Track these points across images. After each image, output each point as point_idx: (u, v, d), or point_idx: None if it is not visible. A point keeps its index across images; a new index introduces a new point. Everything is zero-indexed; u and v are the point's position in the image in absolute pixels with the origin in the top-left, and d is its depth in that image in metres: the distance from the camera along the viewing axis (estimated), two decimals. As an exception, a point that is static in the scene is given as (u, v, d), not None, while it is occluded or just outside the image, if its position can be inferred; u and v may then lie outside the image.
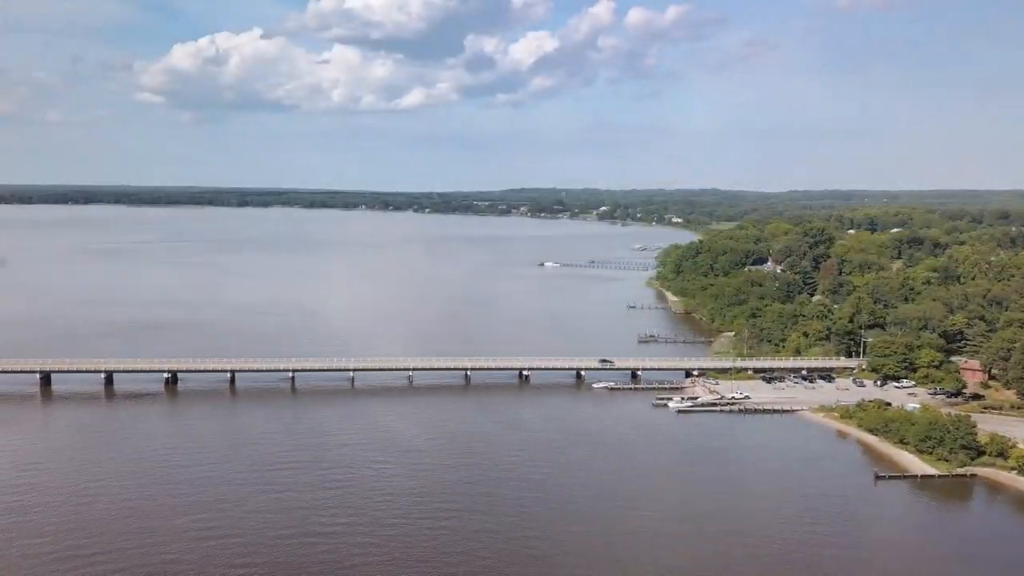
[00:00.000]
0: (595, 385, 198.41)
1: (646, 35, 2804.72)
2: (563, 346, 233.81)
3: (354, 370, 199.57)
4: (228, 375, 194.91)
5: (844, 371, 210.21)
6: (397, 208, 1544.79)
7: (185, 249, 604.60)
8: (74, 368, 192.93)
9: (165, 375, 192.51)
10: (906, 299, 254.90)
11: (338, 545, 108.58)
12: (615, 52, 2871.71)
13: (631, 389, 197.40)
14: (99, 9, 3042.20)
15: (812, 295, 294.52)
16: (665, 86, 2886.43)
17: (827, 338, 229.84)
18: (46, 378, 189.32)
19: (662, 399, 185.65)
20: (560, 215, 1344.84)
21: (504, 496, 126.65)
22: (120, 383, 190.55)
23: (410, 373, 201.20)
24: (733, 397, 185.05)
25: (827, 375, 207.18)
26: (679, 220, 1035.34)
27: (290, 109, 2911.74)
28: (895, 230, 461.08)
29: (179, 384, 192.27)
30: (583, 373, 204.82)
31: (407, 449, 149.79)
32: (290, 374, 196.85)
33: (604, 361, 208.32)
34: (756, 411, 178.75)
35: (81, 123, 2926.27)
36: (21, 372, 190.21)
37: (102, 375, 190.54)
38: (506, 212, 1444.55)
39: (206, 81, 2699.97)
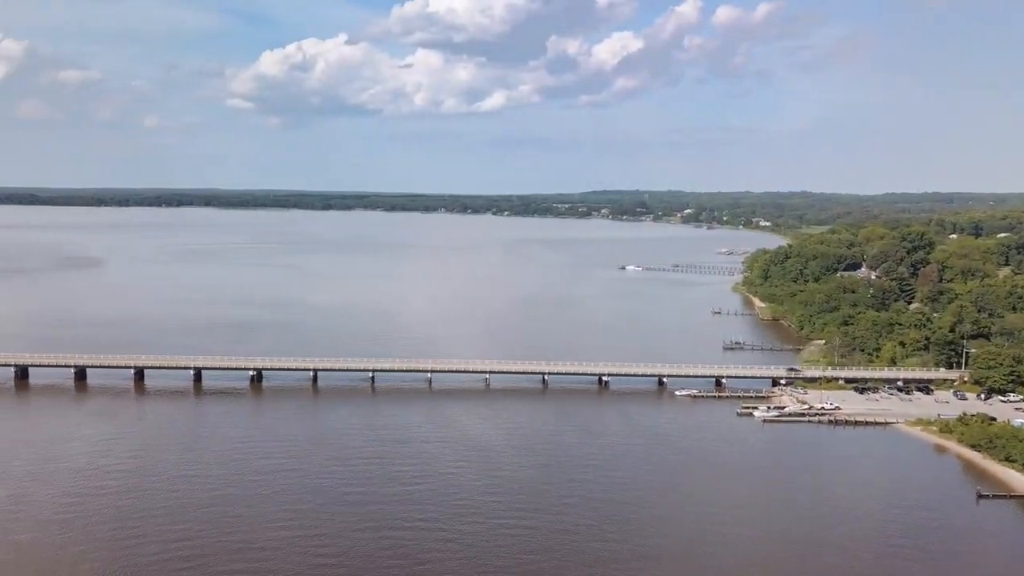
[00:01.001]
0: (677, 392, 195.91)
1: (735, 33, 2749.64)
2: (644, 352, 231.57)
3: (432, 371, 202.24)
4: (311, 374, 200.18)
5: (944, 383, 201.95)
6: (476, 211, 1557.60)
7: (271, 251, 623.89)
8: (166, 364, 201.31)
9: (251, 373, 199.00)
10: (1014, 308, 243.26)
11: (415, 541, 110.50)
12: (702, 51, 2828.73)
13: (715, 397, 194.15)
14: (194, 19, 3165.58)
15: (909, 303, 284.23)
16: (754, 85, 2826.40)
17: (925, 348, 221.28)
18: (139, 373, 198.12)
19: (747, 408, 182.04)
20: (643, 218, 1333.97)
21: (581, 501, 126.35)
22: (208, 379, 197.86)
23: (487, 376, 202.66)
24: (823, 407, 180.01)
25: (925, 387, 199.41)
26: (767, 223, 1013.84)
27: (373, 113, 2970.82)
28: (1002, 235, 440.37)
29: (264, 381, 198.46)
30: (665, 380, 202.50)
31: (484, 450, 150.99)
32: (370, 374, 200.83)
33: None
34: (847, 423, 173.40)
35: (175, 129, 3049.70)
36: (117, 367, 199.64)
37: (191, 371, 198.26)
38: (586, 215, 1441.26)
39: (292, 87, 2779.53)
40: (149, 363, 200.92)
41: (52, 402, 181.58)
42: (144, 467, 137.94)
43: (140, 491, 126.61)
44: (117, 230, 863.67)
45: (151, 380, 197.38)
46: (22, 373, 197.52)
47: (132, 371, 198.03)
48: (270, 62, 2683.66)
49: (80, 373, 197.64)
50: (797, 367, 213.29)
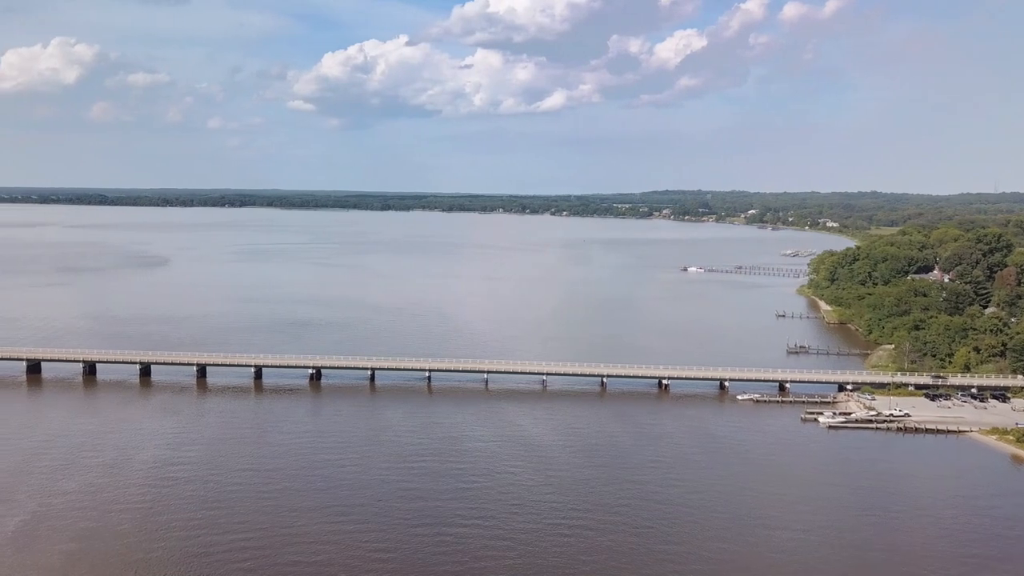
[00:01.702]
0: (739, 396, 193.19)
1: (802, 30, 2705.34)
2: (705, 355, 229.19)
3: (488, 372, 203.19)
4: (368, 373, 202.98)
5: (1022, 391, 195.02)
6: (534, 211, 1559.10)
7: (330, 250, 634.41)
8: (227, 362, 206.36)
9: (310, 371, 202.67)
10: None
11: (471, 539, 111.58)
12: (767, 49, 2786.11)
13: (778, 402, 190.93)
14: (258, 22, 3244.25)
15: (985, 307, 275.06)
16: (822, 83, 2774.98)
17: (1002, 354, 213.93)
18: (202, 370, 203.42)
19: (812, 413, 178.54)
20: (705, 218, 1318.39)
21: (640, 503, 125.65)
22: (268, 377, 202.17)
23: (544, 377, 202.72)
24: (891, 414, 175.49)
25: (1001, 394, 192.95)
26: (834, 224, 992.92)
27: (432, 114, 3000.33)
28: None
29: (322, 380, 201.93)
30: (727, 383, 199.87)
31: (540, 451, 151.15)
32: (427, 374, 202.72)
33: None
34: (917, 430, 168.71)
35: (238, 130, 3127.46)
36: (180, 364, 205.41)
37: (252, 369, 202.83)
38: (647, 215, 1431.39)
39: (353, 88, 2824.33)
40: (211, 360, 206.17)
41: (118, 398, 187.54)
42: (205, 461, 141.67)
43: (201, 484, 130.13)
44: (182, 230, 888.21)
45: (213, 377, 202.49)
46: (90, 369, 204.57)
47: (195, 368, 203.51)
48: (331, 64, 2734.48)
49: (145, 369, 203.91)
50: (864, 372, 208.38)
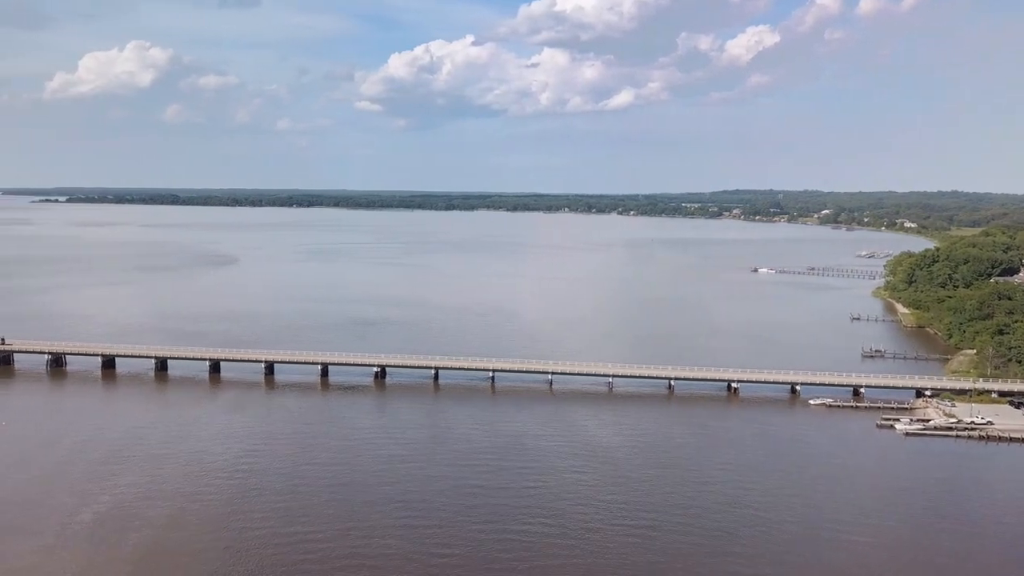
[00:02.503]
0: (812, 401, 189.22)
1: (880, 25, 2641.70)
2: (776, 358, 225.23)
3: (553, 373, 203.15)
4: (432, 372, 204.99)
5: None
6: (601, 211, 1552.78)
7: (395, 250, 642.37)
8: (294, 360, 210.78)
9: (375, 369, 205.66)
10: None
11: (534, 538, 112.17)
12: (843, 45, 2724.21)
13: (852, 407, 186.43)
14: (325, 24, 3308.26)
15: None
16: (900, 79, 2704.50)
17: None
18: (270, 368, 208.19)
19: (888, 419, 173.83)
20: (776, 218, 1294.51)
21: (709, 506, 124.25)
22: (334, 375, 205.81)
23: (610, 379, 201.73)
24: (973, 422, 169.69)
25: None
26: (912, 225, 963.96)
27: (498, 114, 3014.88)
28: None
29: (387, 378, 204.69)
30: (798, 387, 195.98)
31: (605, 455, 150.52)
32: (490, 374, 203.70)
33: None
34: (1000, 439, 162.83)
35: (306, 131, 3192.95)
36: (248, 361, 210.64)
37: (318, 367, 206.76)
38: (717, 215, 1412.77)
39: (420, 88, 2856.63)
40: (279, 358, 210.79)
41: (188, 393, 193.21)
42: (273, 456, 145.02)
43: (269, 478, 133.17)
44: (250, 229, 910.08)
45: (280, 374, 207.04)
46: (162, 365, 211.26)
47: (263, 365, 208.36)
48: (398, 64, 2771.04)
49: (215, 366, 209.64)
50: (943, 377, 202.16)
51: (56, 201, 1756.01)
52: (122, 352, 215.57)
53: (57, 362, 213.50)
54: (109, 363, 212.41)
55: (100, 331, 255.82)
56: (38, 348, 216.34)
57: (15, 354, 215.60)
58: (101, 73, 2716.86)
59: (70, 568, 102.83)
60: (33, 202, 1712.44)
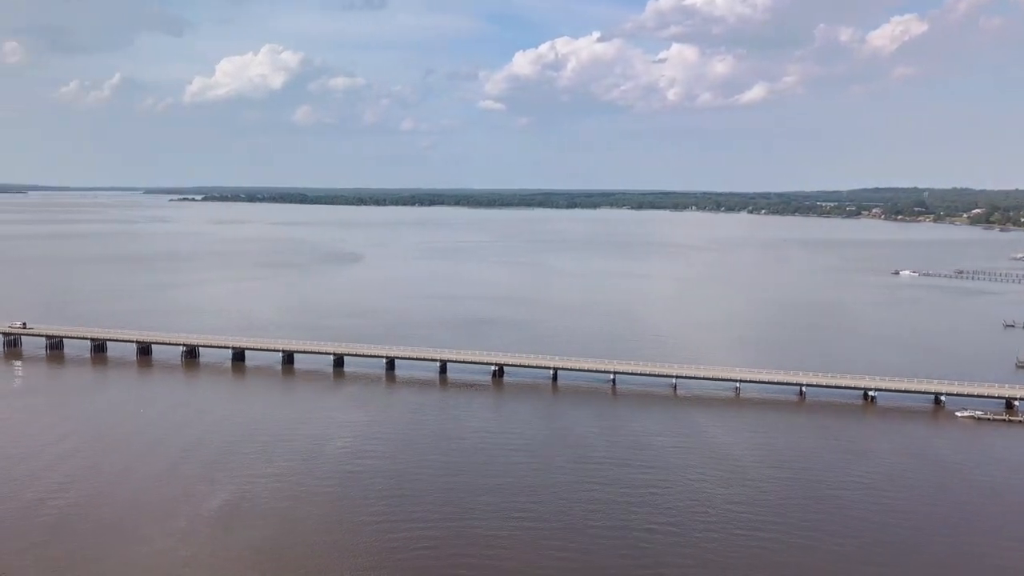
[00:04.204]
0: (957, 413, 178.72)
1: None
2: (918, 366, 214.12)
3: (677, 377, 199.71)
4: (551, 372, 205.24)
5: None
6: (730, 209, 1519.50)
7: (516, 249, 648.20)
8: (414, 356, 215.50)
9: (493, 368, 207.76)
10: None
11: (654, 547, 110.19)
12: (1000, 33, 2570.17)
13: (1004, 420, 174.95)
14: (450, 24, 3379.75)
15: None
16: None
17: None
18: (390, 363, 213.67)
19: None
20: (921, 218, 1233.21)
21: (840, 521, 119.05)
22: (453, 372, 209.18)
23: (737, 384, 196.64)
24: None
25: None
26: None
27: (623, 110, 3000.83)
28: None
29: (505, 377, 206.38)
30: (943, 398, 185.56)
31: (731, 462, 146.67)
32: (611, 376, 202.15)
33: None
34: None
35: (429, 131, 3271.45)
36: (371, 356, 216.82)
37: (437, 364, 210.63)
38: (855, 214, 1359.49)
39: (544, 86, 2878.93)
40: (399, 354, 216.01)
41: (313, 387, 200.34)
42: (392, 453, 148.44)
43: (386, 474, 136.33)
44: (375, 228, 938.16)
45: (401, 370, 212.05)
46: (288, 359, 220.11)
47: (384, 361, 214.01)
48: (522, 62, 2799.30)
49: (338, 361, 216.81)
50: None
51: (192, 200, 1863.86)
52: (251, 345, 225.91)
53: (191, 354, 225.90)
54: (239, 355, 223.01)
55: (230, 324, 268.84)
56: (174, 340, 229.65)
57: (153, 345, 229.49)
58: (236, 76, 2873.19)
59: (204, 551, 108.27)
60: (171, 200, 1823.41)
